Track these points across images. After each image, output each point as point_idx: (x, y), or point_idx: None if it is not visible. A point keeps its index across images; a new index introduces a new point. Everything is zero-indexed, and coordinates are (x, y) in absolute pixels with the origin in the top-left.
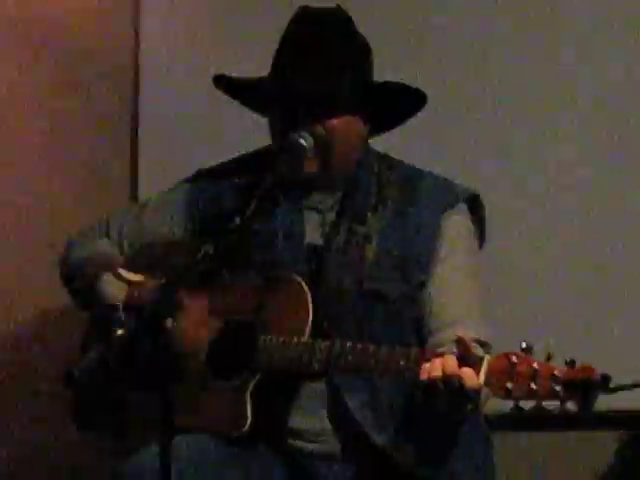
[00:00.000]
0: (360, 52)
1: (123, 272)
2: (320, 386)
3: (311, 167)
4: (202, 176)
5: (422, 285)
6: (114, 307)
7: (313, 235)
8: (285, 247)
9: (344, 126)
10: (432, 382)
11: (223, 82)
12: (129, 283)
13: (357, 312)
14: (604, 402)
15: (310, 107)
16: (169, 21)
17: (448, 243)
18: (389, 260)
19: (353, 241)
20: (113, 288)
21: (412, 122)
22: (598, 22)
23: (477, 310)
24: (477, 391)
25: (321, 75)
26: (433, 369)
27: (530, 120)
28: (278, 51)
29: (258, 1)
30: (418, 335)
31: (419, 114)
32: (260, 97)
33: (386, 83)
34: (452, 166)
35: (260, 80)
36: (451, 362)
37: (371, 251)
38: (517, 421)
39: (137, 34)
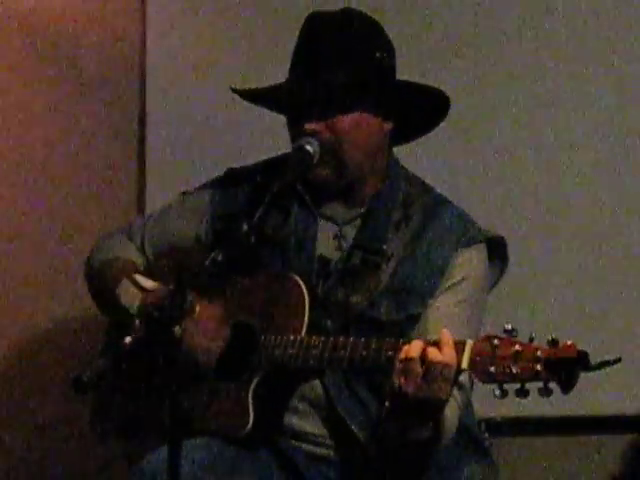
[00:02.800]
0: (370, 49)
1: (139, 278)
2: (317, 389)
3: (324, 172)
4: (232, 177)
5: (417, 317)
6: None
7: (326, 246)
8: (295, 256)
9: (352, 126)
10: (409, 360)
11: (243, 93)
12: (143, 290)
13: (348, 332)
14: (613, 406)
15: (312, 107)
16: (176, 22)
17: (455, 278)
18: (394, 288)
19: (368, 264)
20: (128, 295)
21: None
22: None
23: None
24: (457, 373)
25: (320, 74)
26: (411, 349)
27: (540, 126)
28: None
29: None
30: None
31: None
32: (277, 102)
33: (403, 82)
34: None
35: (275, 86)
36: (430, 348)
37: (383, 277)
38: (522, 426)
39: (144, 35)
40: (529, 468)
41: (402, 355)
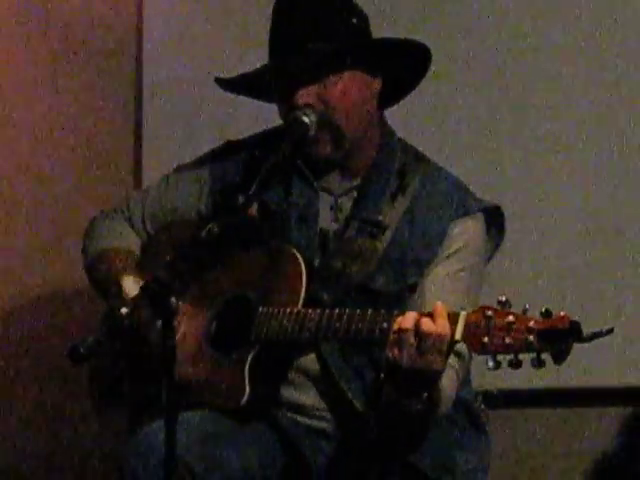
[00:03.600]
0: (346, 16)
1: (125, 285)
2: (314, 362)
3: (323, 146)
4: (231, 149)
5: (415, 287)
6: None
7: (323, 218)
8: (298, 230)
9: (342, 93)
10: (402, 331)
11: (225, 83)
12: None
13: (345, 303)
14: (608, 378)
15: (300, 80)
16: None
17: (452, 247)
18: (392, 259)
19: (365, 235)
20: (119, 301)
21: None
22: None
23: None
24: (451, 344)
25: (301, 46)
26: (404, 321)
27: (533, 93)
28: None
29: None
30: None
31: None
32: (262, 85)
33: (383, 38)
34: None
35: (258, 70)
36: (424, 319)
37: (380, 248)
38: (516, 398)
39: (140, 11)
40: (524, 440)
41: (396, 326)
